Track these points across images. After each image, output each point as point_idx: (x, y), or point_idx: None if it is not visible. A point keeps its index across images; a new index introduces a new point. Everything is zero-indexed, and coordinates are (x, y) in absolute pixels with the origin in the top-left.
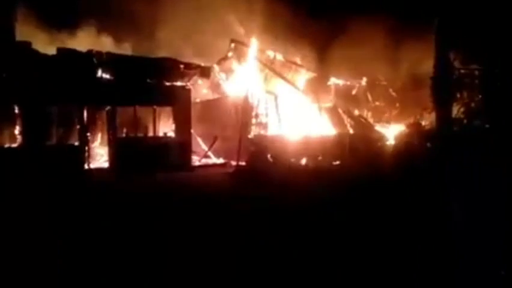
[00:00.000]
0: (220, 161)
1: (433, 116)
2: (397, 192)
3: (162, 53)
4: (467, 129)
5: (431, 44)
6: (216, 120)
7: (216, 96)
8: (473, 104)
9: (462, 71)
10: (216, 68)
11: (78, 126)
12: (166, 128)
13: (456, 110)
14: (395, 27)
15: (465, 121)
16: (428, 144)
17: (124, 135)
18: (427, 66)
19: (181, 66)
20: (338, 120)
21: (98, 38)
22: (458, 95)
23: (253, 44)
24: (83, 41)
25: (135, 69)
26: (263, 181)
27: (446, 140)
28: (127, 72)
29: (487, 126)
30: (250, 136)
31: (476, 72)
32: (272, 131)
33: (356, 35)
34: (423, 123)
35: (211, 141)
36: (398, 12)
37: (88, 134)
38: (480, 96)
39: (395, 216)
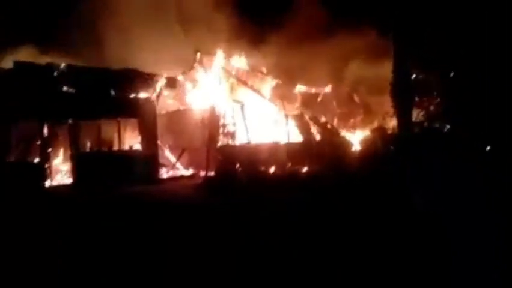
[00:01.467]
0: (189, 172)
1: (395, 120)
2: (363, 195)
3: (125, 65)
4: (427, 132)
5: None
6: (183, 132)
7: (182, 107)
8: (432, 108)
9: (420, 76)
10: (181, 78)
11: (39, 142)
12: (132, 141)
13: (416, 114)
14: (354, 34)
15: (425, 124)
16: (392, 148)
17: (87, 149)
18: (388, 71)
19: (145, 77)
20: (304, 127)
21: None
22: (418, 100)
23: (219, 54)
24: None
25: (97, 81)
26: (232, 191)
27: (407, 143)
28: (88, 84)
29: (446, 128)
30: (218, 146)
31: (433, 77)
32: (240, 140)
33: (319, 43)
34: (386, 127)
35: (179, 153)
36: (356, 21)
37: (50, 149)
38: (438, 99)
39: (361, 218)
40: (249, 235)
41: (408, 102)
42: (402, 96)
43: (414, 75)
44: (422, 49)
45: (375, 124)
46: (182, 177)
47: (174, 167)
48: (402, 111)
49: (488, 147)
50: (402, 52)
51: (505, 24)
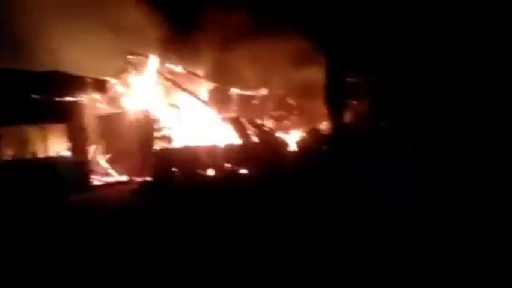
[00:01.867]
0: (123, 178)
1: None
2: (298, 194)
3: (53, 67)
4: (358, 133)
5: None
6: (116, 136)
7: (115, 110)
8: (361, 110)
9: (350, 79)
10: (113, 81)
11: None
12: (60, 147)
13: (348, 116)
14: (285, 39)
15: (356, 125)
16: (325, 148)
17: (9, 157)
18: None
19: (73, 80)
20: (241, 130)
21: None
22: (350, 102)
23: (152, 56)
24: None
25: (20, 84)
26: (169, 195)
27: (339, 144)
28: (9, 87)
29: (375, 128)
30: (153, 150)
31: (363, 81)
32: (177, 143)
33: (251, 47)
34: (321, 128)
35: (112, 159)
36: (286, 26)
37: None
38: (368, 102)
39: (293, 216)
40: (185, 238)
41: (340, 104)
42: (334, 99)
43: (346, 78)
44: (352, 54)
45: (310, 126)
46: (116, 183)
47: (107, 173)
48: (334, 113)
49: (411, 147)
50: (334, 56)
51: (428, 28)
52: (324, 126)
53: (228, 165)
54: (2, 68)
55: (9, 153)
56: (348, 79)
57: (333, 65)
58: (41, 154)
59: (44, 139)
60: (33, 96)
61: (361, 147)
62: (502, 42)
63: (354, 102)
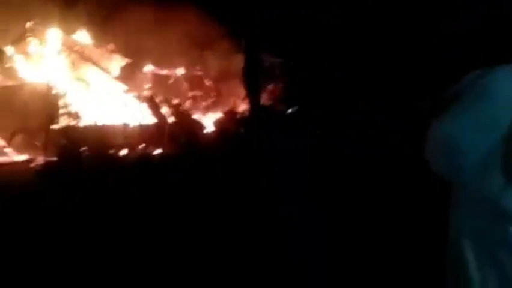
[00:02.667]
0: (23, 157)
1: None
2: (214, 174)
3: None
4: (274, 114)
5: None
6: (14, 111)
7: (12, 82)
8: (277, 93)
9: (267, 63)
10: (10, 49)
11: None
12: None
13: (264, 98)
14: (204, 18)
15: (272, 108)
16: (242, 130)
17: None
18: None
19: None
20: (156, 110)
21: None
22: (267, 85)
23: (56, 26)
24: None
25: None
26: (77, 176)
27: (256, 125)
28: None
29: (289, 111)
30: (59, 128)
31: (278, 65)
32: (85, 121)
33: (170, 25)
34: (237, 110)
35: (9, 135)
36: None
37: None
38: (282, 85)
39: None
40: (95, 225)
41: (257, 86)
42: (251, 81)
43: (263, 62)
44: (269, 39)
45: (227, 108)
46: (14, 163)
47: (2, 151)
48: (252, 95)
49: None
50: (251, 40)
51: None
52: (241, 108)
53: (141, 145)
54: None
55: None
56: (266, 62)
57: (251, 47)
58: None
59: None
60: None
61: (275, 128)
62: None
63: (271, 85)
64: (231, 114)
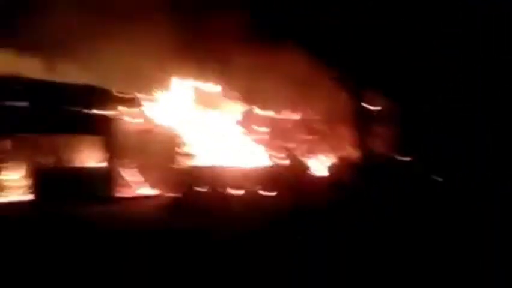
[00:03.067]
0: (152, 192)
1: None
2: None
3: (87, 80)
4: (387, 163)
5: None
6: (146, 151)
7: (146, 125)
8: (389, 139)
9: (378, 108)
10: (144, 97)
11: None
12: (92, 158)
13: (376, 144)
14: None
15: (384, 155)
16: (355, 176)
17: (46, 166)
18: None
19: (107, 94)
20: (273, 153)
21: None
22: (376, 130)
23: (185, 74)
24: None
25: (55, 96)
26: (198, 213)
27: (367, 173)
28: (46, 99)
29: (408, 159)
30: (183, 167)
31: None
32: (207, 162)
33: (289, 71)
34: (353, 156)
35: (142, 172)
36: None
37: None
38: (395, 131)
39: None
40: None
41: (366, 132)
42: (360, 126)
43: (374, 106)
44: (379, 81)
45: (342, 152)
46: (144, 197)
47: (136, 186)
48: (361, 141)
49: (441, 179)
50: (358, 83)
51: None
52: (352, 153)
53: (256, 187)
54: (45, 80)
55: (46, 161)
56: (376, 106)
57: (360, 92)
58: (75, 164)
59: (79, 150)
60: (70, 108)
61: (390, 177)
62: None
63: (382, 130)
64: (345, 160)
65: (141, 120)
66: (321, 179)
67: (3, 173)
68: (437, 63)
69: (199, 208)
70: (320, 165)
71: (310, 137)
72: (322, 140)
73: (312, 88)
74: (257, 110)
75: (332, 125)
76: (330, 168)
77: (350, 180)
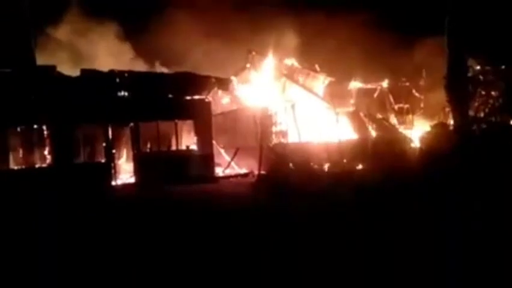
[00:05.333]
0: (243, 171)
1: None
2: (421, 196)
3: (181, 67)
4: (489, 127)
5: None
6: (236, 131)
7: (235, 107)
8: (491, 101)
9: (477, 68)
10: (234, 79)
11: (104, 144)
12: (188, 141)
13: (474, 108)
14: (410, 27)
15: (485, 119)
16: (450, 146)
17: (147, 150)
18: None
19: (199, 79)
20: (359, 125)
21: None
22: (478, 94)
23: (270, 53)
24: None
25: (155, 85)
26: (285, 189)
27: (465, 140)
28: (147, 89)
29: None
30: (270, 145)
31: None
32: (292, 138)
33: (371, 35)
34: (448, 122)
35: (233, 152)
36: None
37: (114, 151)
38: (497, 93)
39: (415, 221)
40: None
41: (464, 96)
42: (457, 90)
43: (475, 68)
44: (479, 42)
45: (436, 119)
46: (236, 175)
47: (229, 165)
48: (457, 106)
49: None
50: (457, 43)
51: None
52: (449, 120)
53: (344, 160)
54: (142, 71)
55: (147, 146)
56: (475, 66)
57: (457, 52)
58: (173, 147)
59: (176, 134)
60: (168, 95)
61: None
62: None
63: (482, 93)
64: (440, 127)
65: (234, 102)
66: (416, 149)
67: (117, 158)
68: None
69: (283, 183)
70: (414, 134)
71: (402, 104)
72: (415, 107)
73: (399, 53)
74: (343, 82)
75: (425, 91)
76: (424, 137)
77: (446, 150)
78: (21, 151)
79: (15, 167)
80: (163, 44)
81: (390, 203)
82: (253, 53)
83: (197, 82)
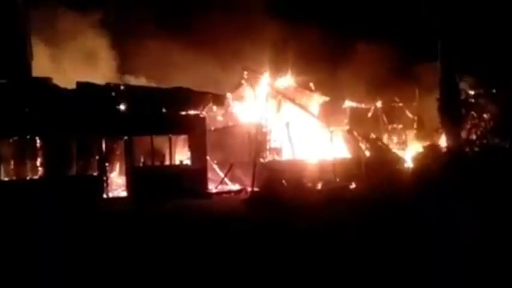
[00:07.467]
0: (236, 187)
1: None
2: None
3: (176, 83)
4: (483, 150)
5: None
6: (231, 147)
7: (230, 123)
8: (483, 124)
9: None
10: (229, 95)
11: (97, 157)
12: (182, 156)
13: (467, 131)
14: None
15: (477, 142)
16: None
17: (141, 164)
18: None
19: (195, 95)
20: (353, 144)
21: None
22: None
23: (266, 71)
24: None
25: (151, 99)
26: (278, 206)
27: (457, 161)
28: (143, 103)
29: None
30: (264, 162)
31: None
32: (286, 156)
33: (366, 57)
34: (440, 144)
35: (227, 168)
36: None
37: (107, 164)
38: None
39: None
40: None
41: (456, 118)
42: (449, 112)
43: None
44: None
45: (428, 140)
46: (229, 192)
47: (222, 182)
48: (450, 128)
49: None
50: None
51: None
52: (441, 141)
53: (337, 179)
54: (140, 86)
55: (140, 160)
56: (466, 89)
57: (448, 70)
58: (166, 162)
59: (170, 148)
60: (163, 110)
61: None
62: None
63: (475, 115)
64: (432, 149)
65: (229, 118)
66: (408, 169)
67: (110, 171)
68: None
69: (276, 201)
70: (407, 154)
71: (395, 125)
72: (407, 128)
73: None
74: (337, 101)
75: (418, 112)
76: (416, 158)
77: (439, 170)
78: (12, 162)
79: (6, 179)
80: (158, 61)
81: (381, 221)
82: (246, 72)
83: (193, 98)
